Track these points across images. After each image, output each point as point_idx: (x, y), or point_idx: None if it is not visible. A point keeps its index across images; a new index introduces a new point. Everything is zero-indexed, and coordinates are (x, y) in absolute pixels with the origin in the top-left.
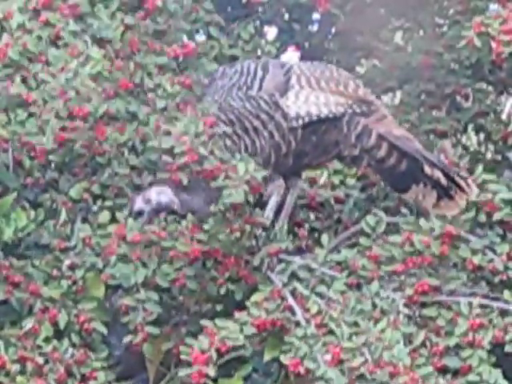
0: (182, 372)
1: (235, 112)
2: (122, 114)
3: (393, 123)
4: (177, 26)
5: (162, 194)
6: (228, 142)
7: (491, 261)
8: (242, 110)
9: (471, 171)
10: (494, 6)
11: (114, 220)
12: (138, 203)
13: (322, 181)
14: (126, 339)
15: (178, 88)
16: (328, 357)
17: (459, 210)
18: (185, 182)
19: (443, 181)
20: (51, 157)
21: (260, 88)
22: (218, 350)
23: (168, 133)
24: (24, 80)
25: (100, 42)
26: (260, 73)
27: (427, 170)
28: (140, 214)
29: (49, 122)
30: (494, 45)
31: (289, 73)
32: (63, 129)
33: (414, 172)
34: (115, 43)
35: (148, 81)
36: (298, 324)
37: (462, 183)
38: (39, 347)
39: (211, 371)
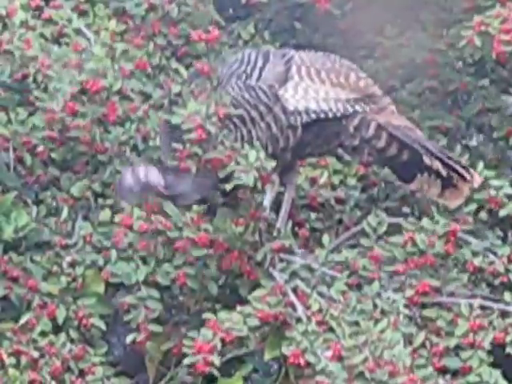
0: (187, 361)
1: (233, 101)
2: (135, 93)
3: (392, 113)
4: (205, 10)
5: (149, 174)
6: (225, 131)
7: (492, 263)
8: (240, 99)
9: (473, 168)
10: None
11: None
12: (128, 180)
13: (322, 181)
14: (129, 338)
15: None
16: (329, 353)
17: (464, 198)
18: (194, 170)
19: (443, 171)
20: (53, 155)
21: (259, 77)
22: (222, 340)
23: (181, 115)
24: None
25: (122, 17)
26: (260, 62)
27: (427, 160)
28: (131, 191)
29: (61, 89)
30: (494, 44)
31: (289, 63)
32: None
33: (417, 162)
34: (137, 19)
35: (166, 64)
36: (299, 320)
37: (464, 172)
38: (35, 341)
39: (216, 360)
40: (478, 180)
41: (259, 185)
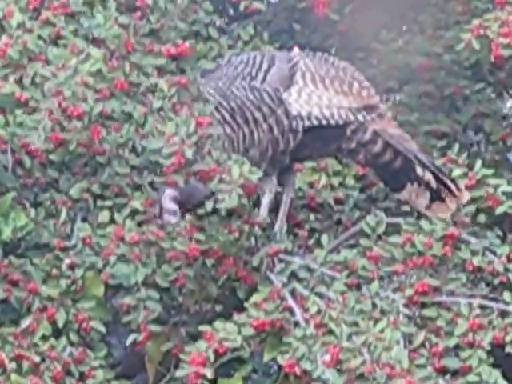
0: (180, 373)
1: (237, 101)
2: (117, 114)
3: (389, 122)
4: (170, 25)
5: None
6: (227, 130)
7: (491, 262)
8: (244, 99)
9: (470, 167)
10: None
11: (114, 220)
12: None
13: (321, 184)
14: (130, 339)
15: (174, 89)
16: (327, 357)
17: (450, 213)
18: (181, 184)
19: (433, 183)
20: (51, 156)
21: (264, 80)
22: (215, 352)
23: (162, 133)
24: (20, 80)
25: (94, 42)
26: (265, 65)
27: (419, 171)
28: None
29: (41, 121)
30: (493, 47)
31: (295, 68)
32: (58, 129)
33: (408, 171)
34: (109, 42)
35: (144, 81)
36: (297, 324)
37: (453, 187)
38: (36, 345)
39: (208, 372)
40: (466, 196)
41: (244, 201)
